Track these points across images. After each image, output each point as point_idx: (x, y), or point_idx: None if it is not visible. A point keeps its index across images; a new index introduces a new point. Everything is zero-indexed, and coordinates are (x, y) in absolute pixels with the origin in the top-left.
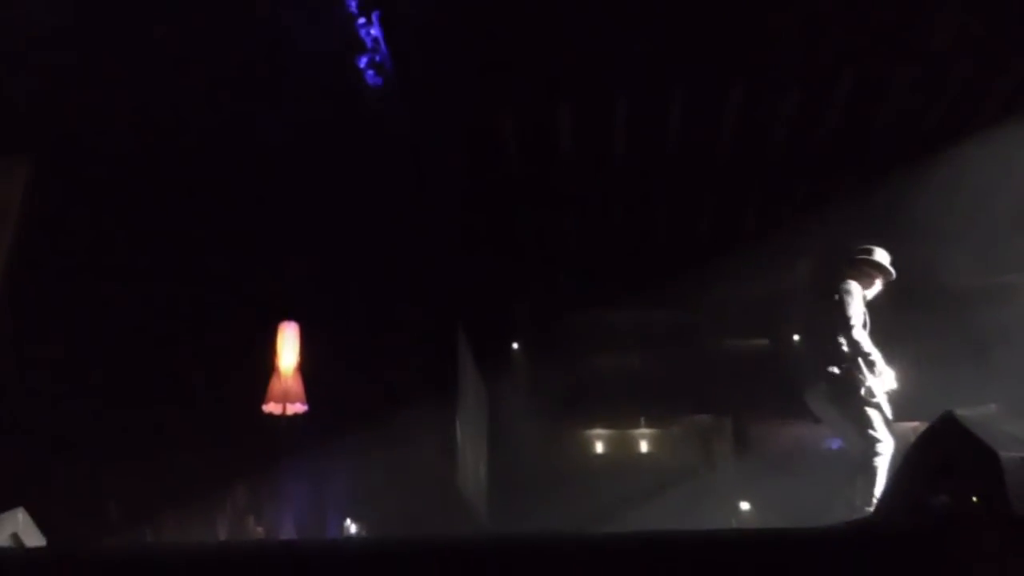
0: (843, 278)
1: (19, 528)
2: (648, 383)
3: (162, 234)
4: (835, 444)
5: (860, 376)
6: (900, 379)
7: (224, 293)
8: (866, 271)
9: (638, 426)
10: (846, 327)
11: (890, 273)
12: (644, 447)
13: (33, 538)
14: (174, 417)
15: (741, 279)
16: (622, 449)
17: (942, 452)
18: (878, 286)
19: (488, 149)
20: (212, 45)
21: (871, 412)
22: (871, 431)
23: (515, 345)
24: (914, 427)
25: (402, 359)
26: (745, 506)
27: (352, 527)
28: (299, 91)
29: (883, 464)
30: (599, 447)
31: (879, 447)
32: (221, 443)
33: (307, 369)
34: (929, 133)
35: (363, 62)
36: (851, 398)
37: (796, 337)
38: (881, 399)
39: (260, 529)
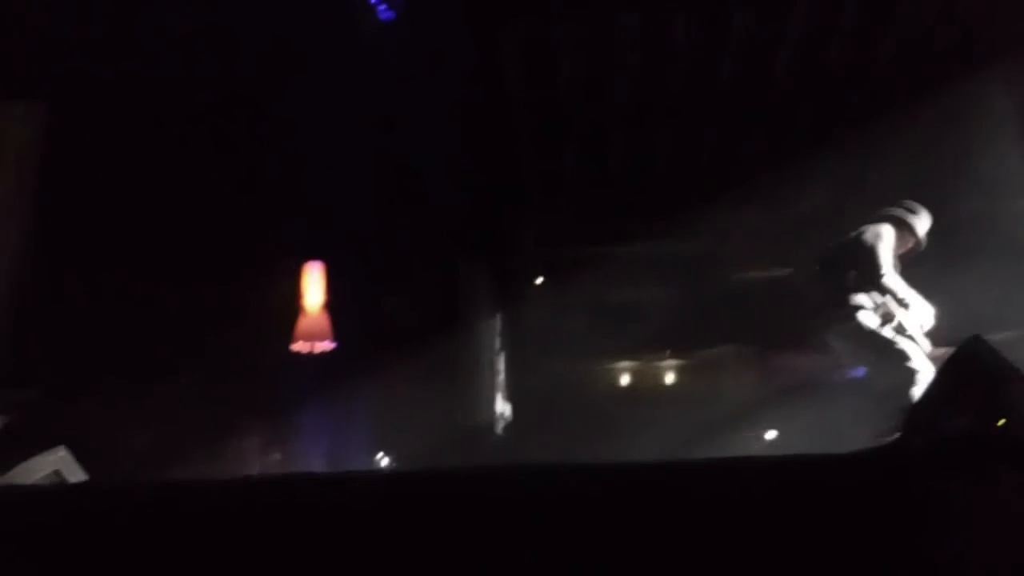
0: (878, 220)
1: (61, 464)
2: (670, 314)
3: (183, 176)
4: (859, 372)
5: (889, 312)
6: (936, 311)
7: (248, 232)
8: (905, 231)
9: (661, 358)
10: (877, 273)
11: (921, 245)
12: (667, 379)
13: (75, 474)
14: (203, 357)
15: (762, 206)
16: (645, 381)
17: (966, 377)
18: (902, 247)
19: (493, 75)
20: None
21: (905, 344)
22: (908, 363)
23: (537, 280)
24: (943, 352)
25: (424, 293)
26: (770, 435)
27: (381, 460)
28: (306, 25)
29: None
30: (622, 380)
31: (918, 377)
32: (250, 381)
33: (332, 306)
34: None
35: None
36: (879, 334)
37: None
38: (916, 333)
39: (290, 464)
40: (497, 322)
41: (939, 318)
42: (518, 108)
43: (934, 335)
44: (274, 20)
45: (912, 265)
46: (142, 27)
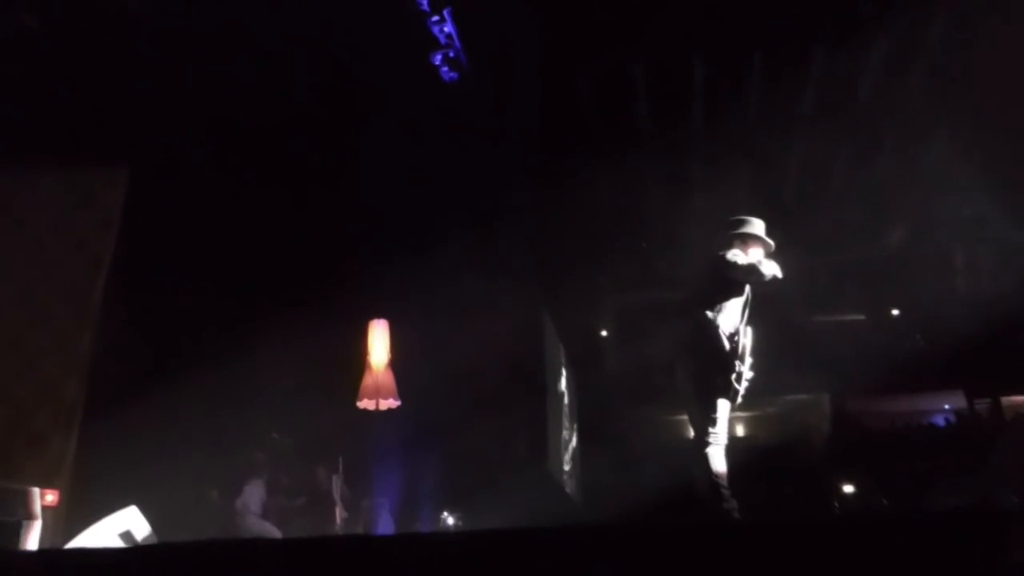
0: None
1: (132, 525)
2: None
3: (254, 238)
4: (940, 420)
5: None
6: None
7: (315, 292)
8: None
9: (732, 408)
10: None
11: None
12: (740, 430)
13: (144, 532)
14: (272, 415)
15: (832, 250)
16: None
17: None
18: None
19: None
20: (288, 50)
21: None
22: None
23: (603, 332)
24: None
25: (489, 348)
26: (848, 488)
27: (448, 518)
28: (376, 88)
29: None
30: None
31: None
32: (317, 439)
33: (398, 363)
34: None
35: (438, 59)
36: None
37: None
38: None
39: (358, 522)
40: (566, 373)
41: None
42: (595, 150)
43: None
44: (349, 85)
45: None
46: (212, 98)
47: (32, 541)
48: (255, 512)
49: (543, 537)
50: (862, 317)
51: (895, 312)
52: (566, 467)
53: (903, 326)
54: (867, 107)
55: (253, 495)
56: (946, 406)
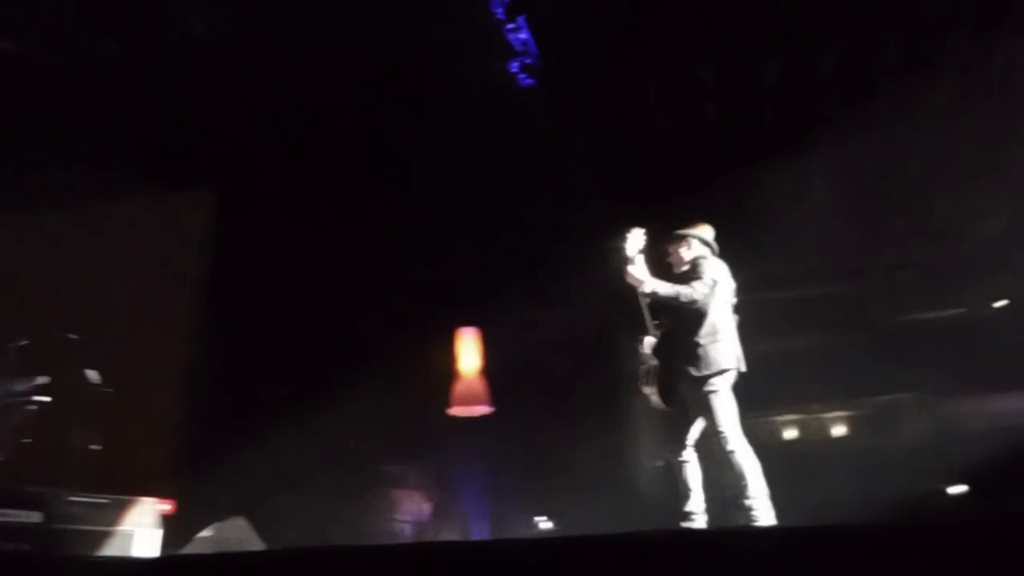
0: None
1: (240, 532)
2: (835, 363)
3: (343, 250)
4: None
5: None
6: None
7: (405, 302)
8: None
9: (828, 409)
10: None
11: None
12: (835, 431)
13: (253, 541)
14: (365, 423)
15: (922, 247)
16: (811, 434)
17: None
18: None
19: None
20: (361, 62)
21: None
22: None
23: None
24: None
25: (575, 352)
26: (953, 490)
27: (541, 523)
28: (453, 99)
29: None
30: (785, 433)
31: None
32: (412, 446)
33: (487, 369)
34: None
35: (515, 66)
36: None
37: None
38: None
39: (452, 528)
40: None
41: None
42: (665, 153)
43: None
44: (420, 97)
45: None
46: (289, 121)
47: (147, 549)
48: (411, 521)
49: (630, 541)
50: (958, 312)
51: (995, 305)
52: (659, 475)
53: (1004, 320)
54: (948, 99)
55: (408, 507)
56: None
